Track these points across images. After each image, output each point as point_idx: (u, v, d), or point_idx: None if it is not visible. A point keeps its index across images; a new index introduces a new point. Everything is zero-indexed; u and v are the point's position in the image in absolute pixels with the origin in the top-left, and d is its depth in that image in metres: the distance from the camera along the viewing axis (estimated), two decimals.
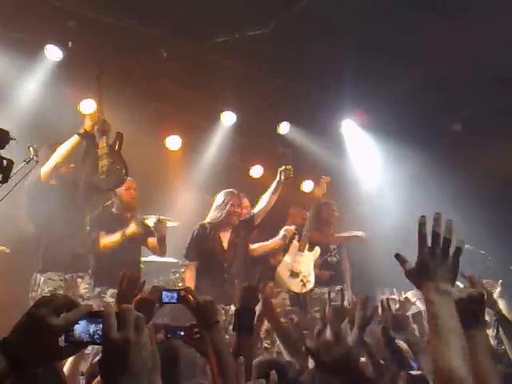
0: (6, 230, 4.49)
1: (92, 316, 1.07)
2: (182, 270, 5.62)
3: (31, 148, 3.76)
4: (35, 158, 3.76)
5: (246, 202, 5.41)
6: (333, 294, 5.17)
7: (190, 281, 4.78)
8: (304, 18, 5.05)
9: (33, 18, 4.93)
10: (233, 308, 4.47)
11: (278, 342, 3.05)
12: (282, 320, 4.75)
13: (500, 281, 3.55)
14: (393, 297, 3.31)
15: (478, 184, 6.56)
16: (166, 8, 4.98)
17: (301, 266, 5.37)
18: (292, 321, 4.93)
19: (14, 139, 2.91)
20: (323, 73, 5.73)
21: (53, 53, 5.29)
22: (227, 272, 4.86)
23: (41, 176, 4.33)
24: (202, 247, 4.91)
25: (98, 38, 5.27)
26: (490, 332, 2.86)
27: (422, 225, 1.43)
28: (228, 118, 6.66)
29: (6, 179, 2.69)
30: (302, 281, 5.28)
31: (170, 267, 6.13)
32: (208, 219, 5.05)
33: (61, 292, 4.17)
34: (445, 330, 1.33)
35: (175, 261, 6.08)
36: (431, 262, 1.41)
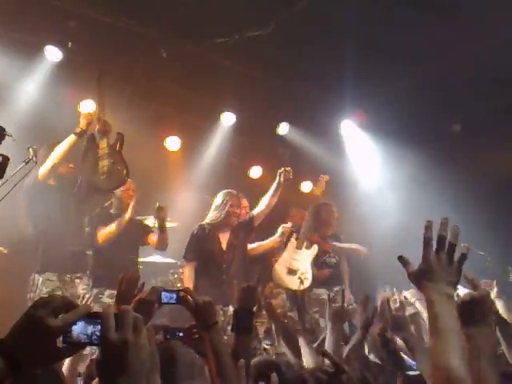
0: (5, 230, 4.49)
1: (90, 317, 1.07)
2: (181, 270, 5.63)
3: (30, 149, 3.76)
4: (34, 158, 3.76)
5: (245, 202, 5.41)
6: (332, 294, 5.21)
7: (188, 281, 4.78)
8: (304, 18, 5.04)
9: (32, 19, 4.93)
10: (231, 309, 4.46)
11: (283, 342, 3.05)
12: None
13: (495, 281, 3.54)
14: (394, 297, 3.31)
15: (477, 184, 6.55)
16: (166, 8, 4.97)
17: (298, 264, 5.37)
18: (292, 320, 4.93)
19: (11, 136, 2.91)
20: (323, 73, 5.73)
21: (52, 53, 5.29)
22: (226, 273, 4.85)
23: (39, 176, 4.33)
24: (201, 248, 4.91)
25: (98, 39, 5.27)
26: None
27: (427, 228, 1.44)
28: (227, 119, 6.67)
29: (1, 175, 2.69)
30: (299, 278, 5.27)
31: (168, 268, 6.13)
32: (207, 220, 5.05)
33: (59, 293, 4.17)
34: (445, 331, 1.34)
35: (174, 261, 6.09)
36: (436, 265, 1.43)
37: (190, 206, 6.24)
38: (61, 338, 1.06)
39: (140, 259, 5.25)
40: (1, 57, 5.01)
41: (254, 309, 2.55)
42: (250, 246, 5.25)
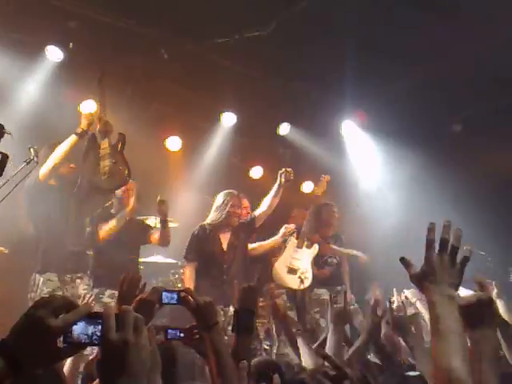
0: (6, 230, 4.49)
1: (91, 317, 1.07)
2: (182, 270, 5.63)
3: (32, 149, 3.77)
4: (35, 158, 3.76)
5: (245, 202, 5.41)
6: (333, 295, 5.21)
7: (189, 282, 4.78)
8: (304, 18, 5.05)
9: (33, 19, 4.93)
10: (232, 309, 4.47)
11: (287, 343, 3.05)
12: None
13: (493, 281, 3.53)
14: (393, 299, 3.31)
15: (478, 184, 6.56)
16: (167, 9, 4.98)
17: (299, 263, 5.37)
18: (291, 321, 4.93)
19: (10, 133, 2.91)
20: (323, 73, 5.73)
21: (53, 53, 5.30)
22: (226, 273, 4.85)
23: (40, 176, 4.33)
24: (202, 248, 4.91)
25: (99, 39, 5.28)
26: None
27: (430, 230, 1.45)
28: (228, 119, 6.67)
29: (0, 173, 2.70)
30: (299, 277, 5.28)
31: (169, 268, 6.14)
32: (208, 220, 5.05)
33: (59, 293, 4.17)
34: (447, 332, 1.35)
35: (175, 261, 6.09)
36: (438, 267, 1.43)
37: (190, 207, 6.25)
38: (61, 338, 1.06)
39: (141, 259, 5.25)
40: (2, 57, 5.01)
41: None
42: (250, 246, 5.25)
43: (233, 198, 5.01)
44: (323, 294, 5.42)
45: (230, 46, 5.39)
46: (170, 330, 2.15)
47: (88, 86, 5.10)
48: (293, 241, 5.49)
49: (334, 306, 2.82)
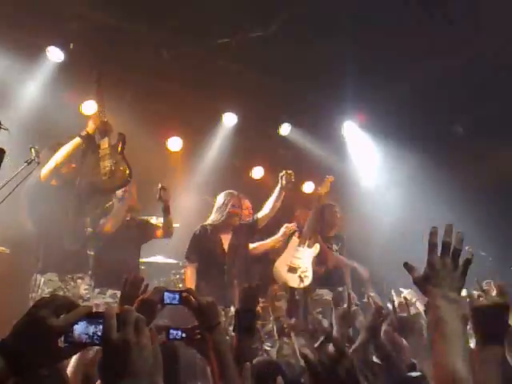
0: (7, 230, 4.49)
1: (92, 317, 1.07)
2: (183, 271, 5.62)
3: (33, 149, 3.77)
4: (36, 159, 3.76)
5: (247, 203, 5.41)
6: (334, 295, 5.21)
7: (190, 282, 4.78)
8: (305, 19, 5.05)
9: (34, 20, 4.93)
10: (233, 309, 4.46)
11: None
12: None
13: (492, 282, 3.52)
14: (394, 299, 3.31)
15: (478, 184, 6.56)
16: (168, 10, 4.98)
17: (299, 262, 5.38)
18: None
19: (6, 129, 2.91)
20: (324, 74, 5.73)
21: (54, 54, 5.30)
22: (227, 274, 4.85)
23: (41, 177, 4.33)
24: (203, 249, 4.91)
25: (100, 40, 5.28)
26: None
27: (432, 234, 1.46)
28: (229, 120, 6.67)
29: None
30: (299, 276, 5.28)
31: (170, 268, 6.13)
32: (209, 221, 5.05)
33: (61, 293, 4.17)
34: (449, 334, 1.36)
35: (176, 262, 6.08)
36: (441, 270, 1.44)
37: (191, 207, 6.24)
38: (62, 338, 1.06)
39: (142, 260, 5.25)
40: (3, 58, 5.01)
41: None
42: (251, 246, 5.26)
43: (233, 198, 5.02)
44: (325, 294, 5.42)
45: (231, 47, 5.39)
46: (171, 330, 2.14)
47: (89, 87, 5.10)
48: (294, 240, 5.50)
49: (338, 307, 2.81)
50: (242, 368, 1.66)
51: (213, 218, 5.04)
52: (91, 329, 1.06)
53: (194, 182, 6.80)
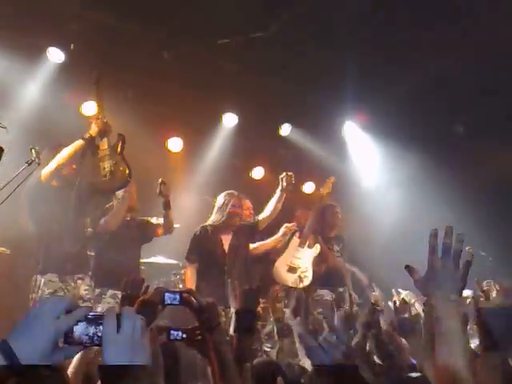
0: (7, 231, 4.49)
1: (92, 318, 1.07)
2: (183, 271, 5.62)
3: (33, 150, 3.77)
4: (37, 159, 3.75)
5: (248, 203, 5.40)
6: (334, 295, 5.21)
7: (190, 282, 4.78)
8: (305, 19, 5.05)
9: (35, 21, 4.94)
10: (233, 310, 4.46)
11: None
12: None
13: (492, 282, 3.51)
14: (394, 299, 3.31)
15: (478, 184, 6.56)
16: (167, 10, 4.98)
17: (299, 262, 5.38)
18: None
19: (4, 127, 2.91)
20: (325, 74, 5.73)
21: (55, 55, 5.30)
22: (228, 274, 4.85)
23: (41, 178, 4.33)
24: (203, 249, 4.91)
25: (100, 40, 5.28)
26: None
27: (432, 236, 1.46)
28: (230, 120, 6.68)
29: None
30: (299, 276, 5.28)
31: (170, 269, 6.12)
32: (209, 221, 5.05)
33: (61, 294, 4.16)
34: (450, 335, 1.37)
35: (176, 262, 6.08)
36: (441, 272, 1.45)
37: (191, 207, 6.24)
38: (62, 339, 1.06)
39: (143, 260, 5.24)
40: (3, 58, 5.02)
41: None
42: (251, 246, 5.26)
43: (233, 199, 5.02)
44: (325, 294, 5.42)
45: (231, 47, 5.39)
46: (172, 331, 2.14)
47: (90, 88, 5.09)
48: (295, 240, 5.50)
49: (340, 309, 2.81)
50: (242, 368, 1.66)
51: (213, 218, 5.04)
52: (91, 329, 1.06)
53: (195, 183, 6.80)
